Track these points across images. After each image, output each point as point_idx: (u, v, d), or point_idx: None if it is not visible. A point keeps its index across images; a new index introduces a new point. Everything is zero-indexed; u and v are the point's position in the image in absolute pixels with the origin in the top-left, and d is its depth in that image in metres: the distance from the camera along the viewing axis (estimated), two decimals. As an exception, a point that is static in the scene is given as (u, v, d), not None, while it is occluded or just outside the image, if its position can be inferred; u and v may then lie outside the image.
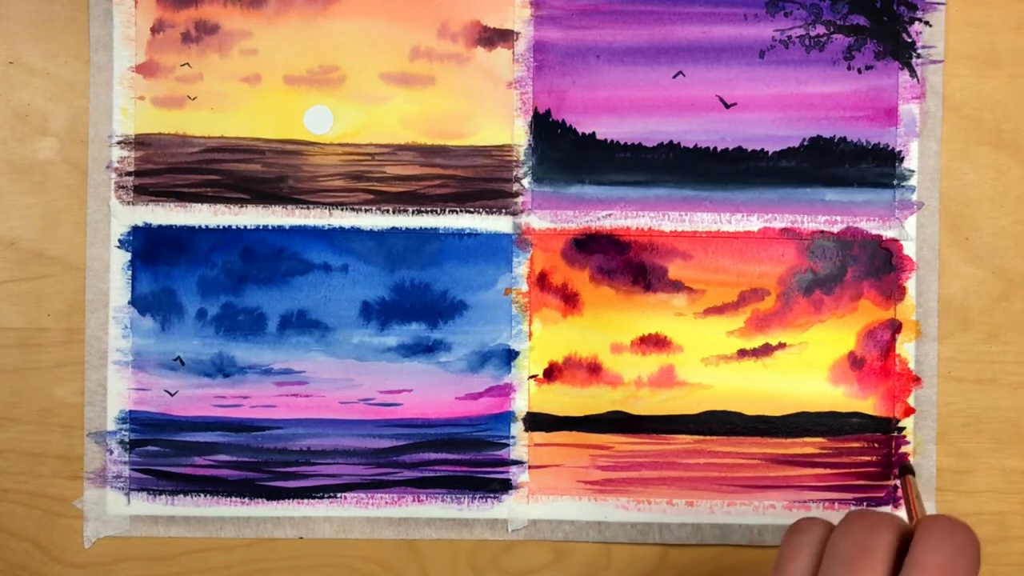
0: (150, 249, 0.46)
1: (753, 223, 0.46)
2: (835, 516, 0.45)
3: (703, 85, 0.46)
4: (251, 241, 0.46)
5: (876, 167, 0.46)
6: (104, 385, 0.46)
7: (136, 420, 0.46)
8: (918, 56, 0.46)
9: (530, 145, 0.46)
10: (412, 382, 0.46)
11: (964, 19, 0.46)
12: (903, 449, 0.45)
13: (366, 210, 0.46)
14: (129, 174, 0.46)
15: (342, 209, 0.46)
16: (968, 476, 0.46)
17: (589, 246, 0.46)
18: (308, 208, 0.46)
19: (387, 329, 0.46)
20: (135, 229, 0.46)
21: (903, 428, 0.45)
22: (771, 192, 0.46)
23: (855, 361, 0.46)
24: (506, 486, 0.46)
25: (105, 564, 0.46)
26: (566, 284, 0.46)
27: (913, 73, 0.46)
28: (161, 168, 0.46)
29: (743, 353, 0.46)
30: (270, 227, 0.46)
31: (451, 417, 0.46)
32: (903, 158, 0.45)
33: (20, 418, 0.46)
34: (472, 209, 0.46)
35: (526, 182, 0.46)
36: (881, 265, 0.46)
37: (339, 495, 0.46)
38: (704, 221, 0.46)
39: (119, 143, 0.46)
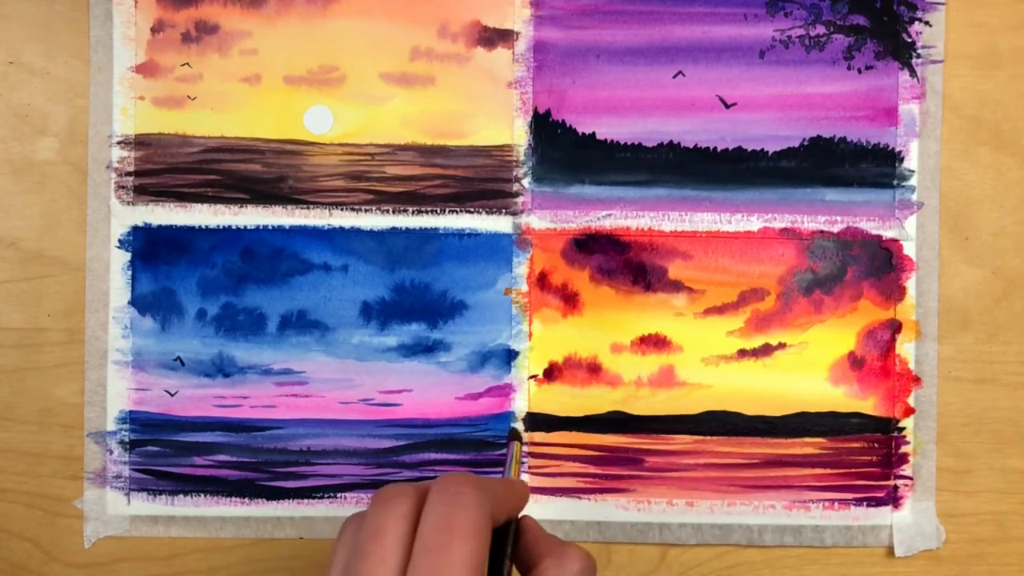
0: (150, 249, 0.46)
1: (753, 223, 0.46)
2: (833, 516, 0.45)
3: (703, 85, 0.46)
4: (251, 241, 0.46)
5: (876, 167, 0.46)
6: (104, 385, 0.46)
7: (136, 420, 0.46)
8: (918, 56, 0.46)
9: (530, 145, 0.46)
10: (412, 382, 0.46)
11: (964, 19, 0.46)
12: (903, 449, 0.45)
13: (366, 210, 0.46)
14: (129, 174, 0.46)
15: (342, 209, 0.46)
16: (968, 476, 0.46)
17: (589, 246, 0.46)
18: (308, 208, 0.46)
19: (387, 329, 0.46)
20: (135, 229, 0.46)
21: (903, 428, 0.45)
22: (771, 192, 0.46)
23: (855, 361, 0.46)
24: (506, 486, 0.45)
25: (105, 564, 0.46)
26: (566, 284, 0.46)
27: (913, 73, 0.46)
28: (161, 168, 0.46)
29: (743, 353, 0.46)
30: (270, 227, 0.46)
31: (451, 417, 0.46)
32: (903, 158, 0.46)
33: (20, 418, 0.46)
34: (472, 209, 0.46)
35: (526, 182, 0.46)
36: (881, 265, 0.46)
37: (339, 495, 0.46)
38: (704, 221, 0.46)
39: (119, 143, 0.46)
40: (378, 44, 0.46)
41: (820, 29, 0.46)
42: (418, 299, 0.46)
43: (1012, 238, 0.46)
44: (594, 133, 0.46)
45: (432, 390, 0.46)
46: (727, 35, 0.46)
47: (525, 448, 0.46)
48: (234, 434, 0.46)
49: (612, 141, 0.46)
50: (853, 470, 0.45)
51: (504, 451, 0.45)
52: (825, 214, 0.46)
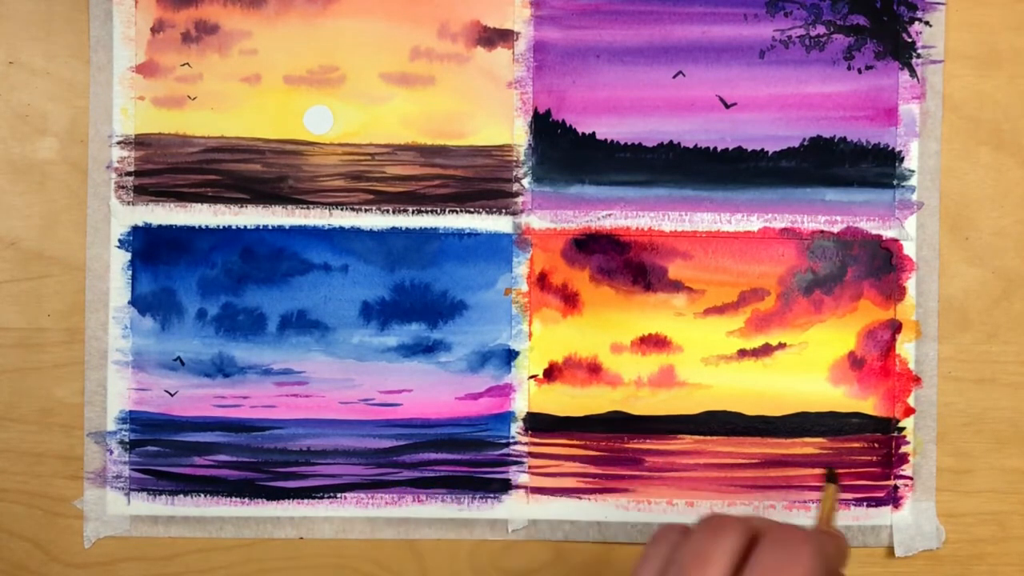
0: (150, 249, 0.46)
1: (753, 223, 0.46)
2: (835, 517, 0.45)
3: (703, 85, 0.46)
4: (251, 241, 0.46)
5: (876, 167, 0.46)
6: (104, 385, 0.46)
7: (136, 420, 0.46)
8: (918, 56, 0.46)
9: (530, 145, 0.46)
10: (412, 382, 0.46)
11: (964, 19, 0.46)
12: (903, 449, 0.45)
13: (366, 210, 0.46)
14: (129, 174, 0.46)
15: (342, 209, 0.46)
16: (968, 476, 0.46)
17: (589, 246, 0.46)
18: (308, 208, 0.46)
19: (387, 329, 0.46)
20: (135, 229, 0.46)
21: (903, 428, 0.45)
22: (771, 192, 0.46)
23: (855, 361, 0.46)
24: (506, 486, 0.46)
25: (105, 564, 0.46)
26: (566, 284, 0.46)
27: (913, 73, 0.46)
28: (161, 168, 0.46)
29: (743, 353, 0.46)
30: (270, 227, 0.46)
31: (451, 417, 0.46)
32: (903, 158, 0.46)
33: (20, 418, 0.46)
34: (472, 209, 0.46)
35: (526, 182, 0.46)
36: (881, 265, 0.46)
37: (339, 495, 0.46)
38: (704, 221, 0.46)
39: (119, 143, 0.46)
40: (378, 44, 0.46)
41: (820, 29, 0.46)
42: (418, 299, 0.46)
43: (1012, 238, 0.46)
44: (594, 133, 0.46)
45: (432, 390, 0.46)
46: (727, 35, 0.46)
47: (525, 447, 0.46)
48: (234, 434, 0.46)
49: (612, 141, 0.46)
50: (853, 470, 0.45)
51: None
52: (825, 214, 0.46)
